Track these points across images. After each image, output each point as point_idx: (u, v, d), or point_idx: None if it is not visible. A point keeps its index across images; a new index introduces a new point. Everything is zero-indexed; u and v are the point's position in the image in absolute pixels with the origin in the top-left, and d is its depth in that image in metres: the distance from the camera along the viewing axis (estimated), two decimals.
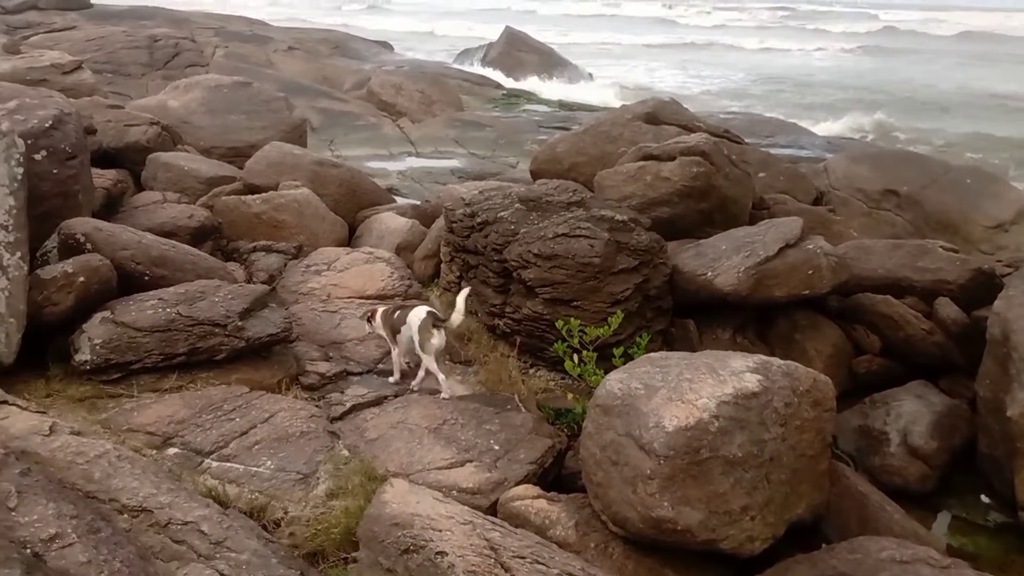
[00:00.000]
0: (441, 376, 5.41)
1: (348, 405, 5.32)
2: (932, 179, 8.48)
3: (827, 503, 4.42)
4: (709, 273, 5.98)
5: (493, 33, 33.08)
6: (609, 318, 5.62)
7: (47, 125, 6.16)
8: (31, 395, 4.90)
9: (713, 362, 4.39)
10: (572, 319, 5.45)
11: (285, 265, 7.43)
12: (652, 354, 4.98)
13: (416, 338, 5.36)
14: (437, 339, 5.33)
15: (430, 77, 20.34)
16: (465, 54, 32.32)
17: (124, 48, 18.69)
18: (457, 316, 5.41)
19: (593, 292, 5.86)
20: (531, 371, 6.14)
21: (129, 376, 5.15)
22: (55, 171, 6.18)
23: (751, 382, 4.15)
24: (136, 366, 5.14)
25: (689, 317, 6.30)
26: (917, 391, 6.03)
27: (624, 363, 5.15)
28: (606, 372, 5.02)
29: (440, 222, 7.54)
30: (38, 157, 6.03)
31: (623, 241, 6.05)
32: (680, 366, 4.38)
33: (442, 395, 5.39)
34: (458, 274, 6.89)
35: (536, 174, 9.16)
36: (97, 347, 5.04)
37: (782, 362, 4.44)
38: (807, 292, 6.07)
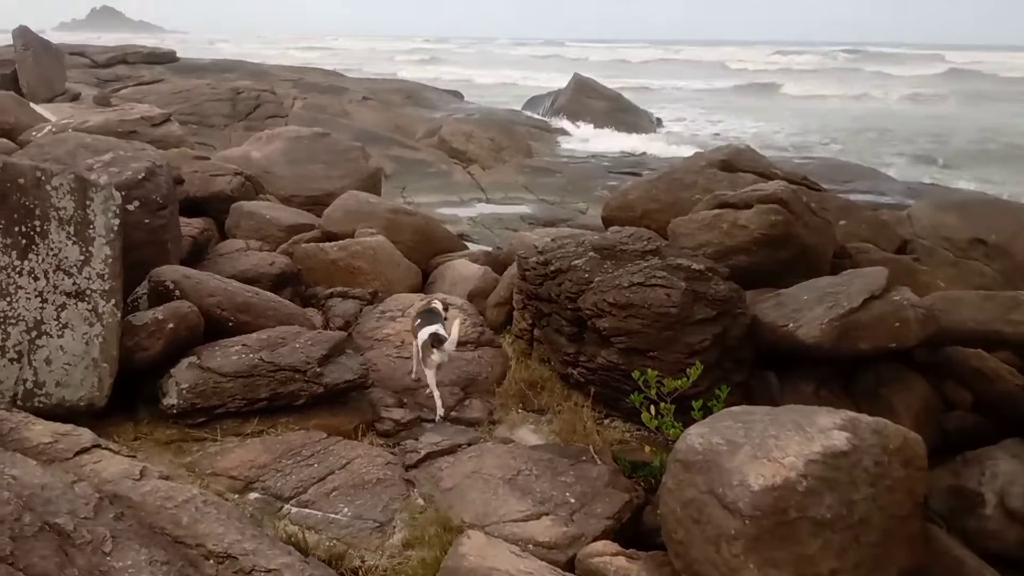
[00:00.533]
0: (437, 393, 5.90)
1: (423, 453, 5.32)
2: (1022, 227, 8.17)
3: (920, 567, 4.22)
4: (791, 324, 5.85)
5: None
6: (687, 369, 5.52)
7: (140, 177, 6.43)
8: (120, 437, 5.06)
9: (799, 418, 4.26)
10: (649, 370, 5.38)
11: (360, 311, 7.54)
12: (733, 408, 4.87)
13: (419, 354, 6.00)
14: (437, 356, 5.82)
15: (500, 125, 20.67)
16: (534, 101, 32.81)
17: (208, 100, 19.54)
18: (450, 345, 5.83)
19: (670, 342, 5.79)
20: (606, 422, 6.07)
21: (213, 420, 5.27)
22: (147, 221, 6.43)
23: (839, 440, 4.02)
24: (220, 411, 5.26)
25: (770, 369, 6.16)
26: (1013, 450, 5.73)
27: (703, 416, 5.04)
28: (684, 425, 4.93)
29: (512, 269, 7.58)
30: (131, 207, 6.29)
31: (700, 291, 5.97)
32: (764, 422, 4.27)
33: (437, 415, 5.88)
34: (530, 322, 6.89)
35: (608, 221, 9.15)
36: (184, 392, 5.18)
37: (871, 419, 4.29)
38: (894, 345, 5.87)
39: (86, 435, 4.06)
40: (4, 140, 11.28)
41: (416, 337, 6.10)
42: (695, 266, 6.14)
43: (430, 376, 5.90)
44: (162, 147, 10.93)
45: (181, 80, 22.34)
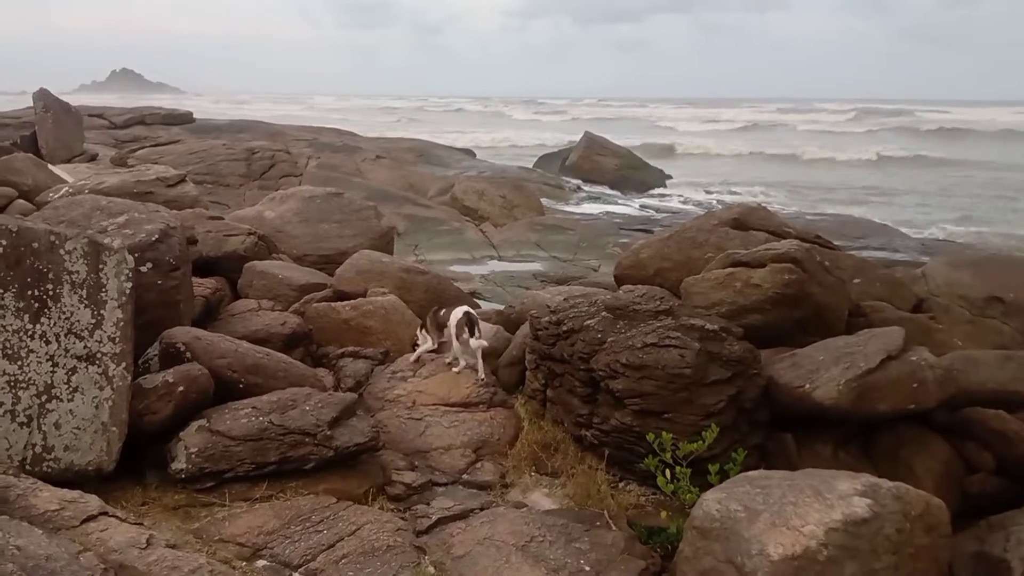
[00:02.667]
0: (480, 364, 7.02)
1: (434, 518, 5.22)
2: None
3: None
4: (807, 385, 5.76)
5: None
6: (703, 432, 5.44)
7: (153, 239, 6.47)
8: (128, 502, 4.99)
9: (818, 484, 4.18)
10: (664, 433, 5.30)
11: (372, 370, 7.50)
12: (751, 472, 4.78)
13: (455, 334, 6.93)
14: (475, 343, 6.89)
15: (511, 182, 20.87)
16: (545, 159, 33.16)
17: (224, 160, 19.85)
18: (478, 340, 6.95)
19: (685, 404, 5.71)
20: (621, 485, 5.95)
21: (222, 484, 5.20)
22: (159, 282, 6.45)
23: (860, 507, 3.93)
24: (229, 475, 5.19)
25: (787, 431, 6.05)
26: None
27: (720, 480, 4.96)
28: (701, 489, 4.84)
29: (525, 328, 7.54)
30: (144, 269, 6.31)
31: (715, 351, 5.91)
32: (782, 487, 4.19)
33: (480, 376, 6.95)
34: (543, 382, 6.82)
35: (620, 279, 9.12)
36: (192, 456, 5.13)
37: (892, 484, 4.20)
38: (912, 406, 5.77)
39: (93, 502, 4.00)
40: (22, 201, 11.46)
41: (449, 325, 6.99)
42: (709, 326, 6.08)
43: (456, 347, 6.90)
44: (177, 207, 11.05)
45: (197, 141, 22.74)
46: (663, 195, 27.02)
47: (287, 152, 21.35)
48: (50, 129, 19.50)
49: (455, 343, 7.02)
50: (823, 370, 5.84)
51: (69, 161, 18.82)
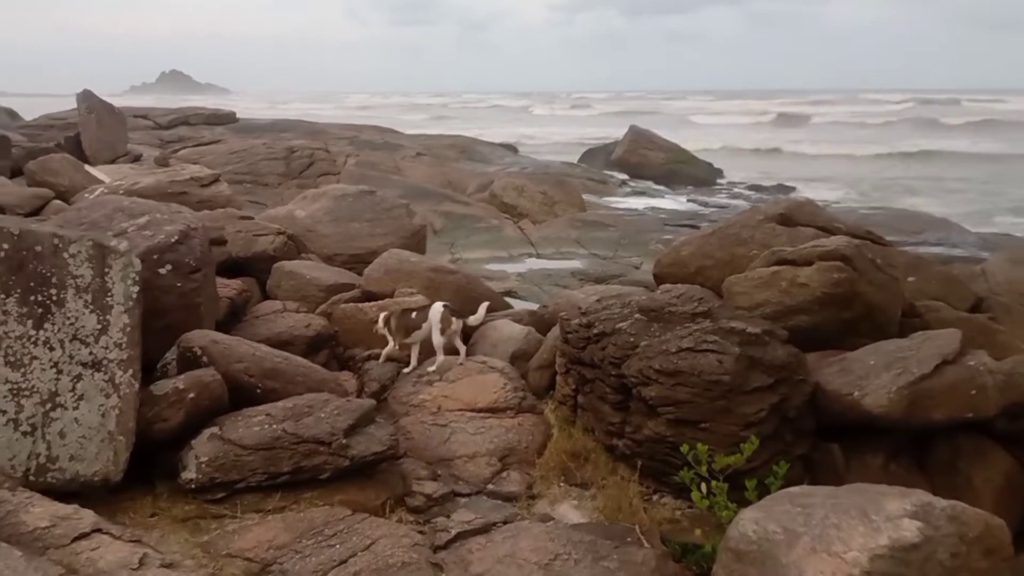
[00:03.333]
0: (441, 355, 6.95)
1: (453, 532, 4.94)
2: None
3: None
4: (856, 393, 5.35)
5: None
6: (742, 444, 5.08)
7: (173, 240, 6.30)
8: (136, 513, 4.82)
9: (864, 503, 3.79)
10: (700, 445, 4.94)
11: (397, 374, 7.26)
12: (792, 489, 4.41)
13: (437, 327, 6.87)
14: (456, 325, 6.93)
15: (552, 178, 20.51)
16: (590, 153, 32.71)
17: (263, 159, 19.85)
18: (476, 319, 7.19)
19: (723, 413, 5.34)
20: (654, 498, 5.61)
21: (233, 495, 5.00)
22: (178, 284, 6.28)
23: (910, 531, 3.54)
24: (240, 485, 4.99)
25: (834, 441, 5.64)
26: None
27: (758, 496, 4.60)
28: (739, 505, 4.50)
29: (556, 331, 7.22)
30: (163, 271, 6.15)
31: (756, 356, 5.52)
32: (825, 507, 3.81)
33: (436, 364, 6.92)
34: (573, 387, 6.51)
35: (660, 278, 8.74)
36: (203, 465, 4.94)
37: (946, 503, 3.79)
38: (970, 415, 5.32)
39: (87, 519, 3.81)
40: (58, 202, 11.53)
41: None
42: (750, 329, 5.70)
43: (439, 342, 6.86)
44: (210, 207, 10.99)
45: (239, 140, 22.82)
46: (712, 190, 26.38)
47: (326, 150, 21.29)
48: (94, 130, 19.72)
49: (439, 338, 6.90)
50: (873, 376, 5.42)
51: (113, 162, 19.02)
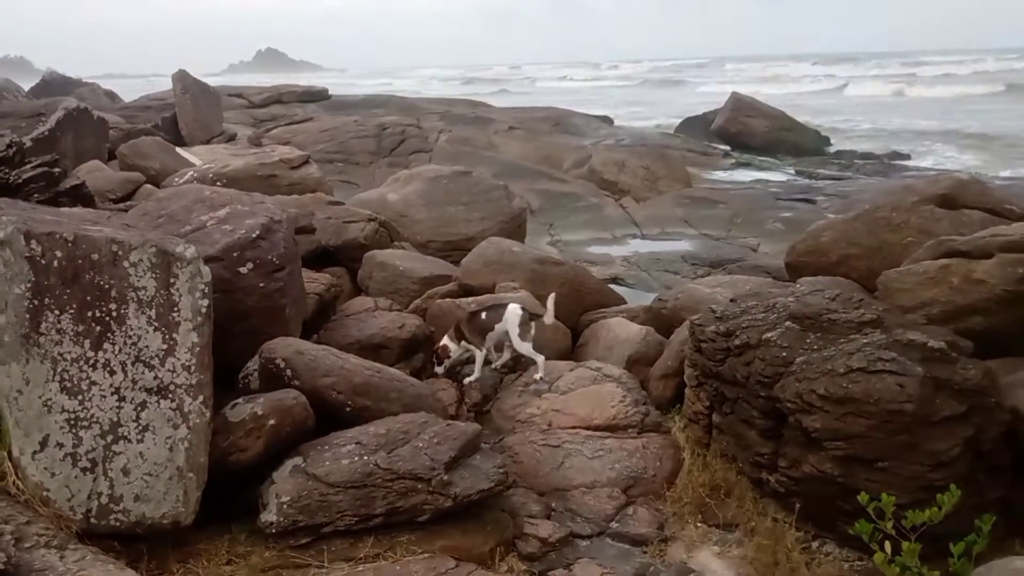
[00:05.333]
0: (539, 357, 6.28)
1: None
2: None
3: None
4: None
5: None
6: (930, 488, 4.08)
7: (255, 235, 5.64)
8: (210, 561, 4.19)
9: None
10: (884, 495, 3.95)
11: (501, 381, 6.48)
12: (1016, 562, 3.44)
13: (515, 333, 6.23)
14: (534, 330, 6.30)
15: (654, 152, 19.30)
16: (688, 122, 31.16)
17: (354, 137, 19.31)
18: (548, 318, 6.42)
19: (905, 450, 4.34)
20: (814, 545, 4.65)
21: (319, 540, 4.31)
22: (261, 284, 5.62)
23: None
24: (327, 529, 4.29)
25: None
26: None
27: (960, 565, 3.65)
28: (930, 567, 3.58)
29: (681, 333, 6.29)
30: (244, 270, 5.51)
31: (943, 377, 4.49)
32: None
33: (539, 373, 6.22)
34: (707, 404, 5.57)
35: (794, 268, 7.69)
36: (285, 506, 4.26)
37: None
38: None
39: None
40: (149, 186, 11.16)
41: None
42: (932, 343, 4.65)
43: (527, 348, 6.23)
44: (300, 190, 10.43)
45: (331, 118, 22.38)
46: (821, 160, 24.56)
47: (418, 127, 20.60)
48: (189, 110, 19.60)
49: (522, 344, 6.24)
50: None
51: (208, 142, 18.83)
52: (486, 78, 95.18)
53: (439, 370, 6.44)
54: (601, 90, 66.40)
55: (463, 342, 6.37)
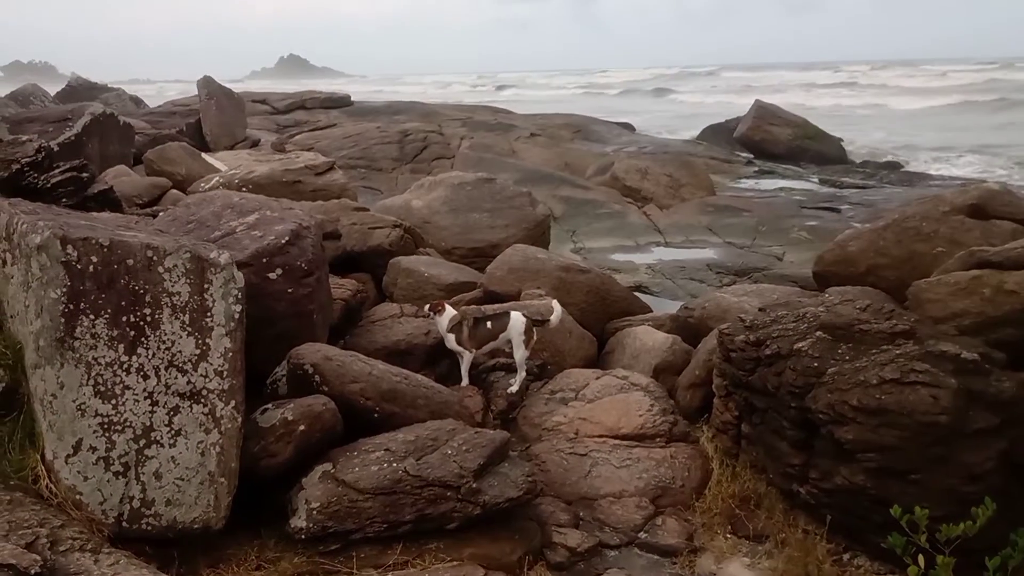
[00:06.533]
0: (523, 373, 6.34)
1: None
2: None
3: None
4: None
5: None
6: (966, 499, 4.02)
7: (284, 241, 5.67)
8: (240, 566, 4.21)
9: None
10: (918, 509, 3.89)
11: (527, 388, 6.47)
12: None
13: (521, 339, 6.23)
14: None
15: (677, 159, 19.23)
16: (710, 130, 31.05)
17: (377, 143, 19.37)
18: (555, 319, 6.45)
19: (939, 463, 4.29)
20: (845, 557, 4.61)
21: (349, 546, 4.31)
22: (289, 290, 5.66)
23: None
24: (357, 535, 4.30)
25: None
26: None
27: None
28: None
29: (709, 342, 6.26)
30: (273, 276, 5.55)
31: (977, 389, 4.44)
32: None
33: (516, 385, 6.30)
34: (736, 414, 5.53)
35: (822, 278, 7.62)
36: (314, 512, 4.27)
37: None
38: None
39: None
40: (175, 192, 11.25)
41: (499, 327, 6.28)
42: (966, 355, 4.60)
43: (522, 357, 6.24)
44: (325, 197, 10.49)
45: (352, 124, 22.48)
46: (845, 168, 24.37)
47: (440, 133, 20.65)
48: (214, 116, 19.75)
49: (522, 353, 6.26)
50: None
51: (232, 147, 18.97)
52: (507, 83, 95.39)
53: (432, 315, 6.41)
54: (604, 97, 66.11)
55: (456, 339, 6.32)
